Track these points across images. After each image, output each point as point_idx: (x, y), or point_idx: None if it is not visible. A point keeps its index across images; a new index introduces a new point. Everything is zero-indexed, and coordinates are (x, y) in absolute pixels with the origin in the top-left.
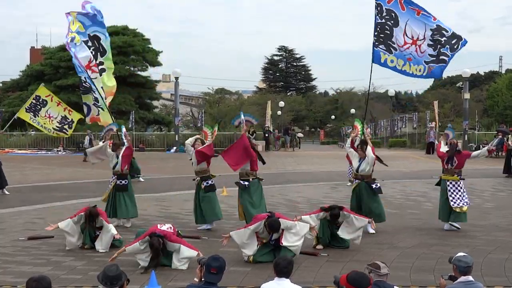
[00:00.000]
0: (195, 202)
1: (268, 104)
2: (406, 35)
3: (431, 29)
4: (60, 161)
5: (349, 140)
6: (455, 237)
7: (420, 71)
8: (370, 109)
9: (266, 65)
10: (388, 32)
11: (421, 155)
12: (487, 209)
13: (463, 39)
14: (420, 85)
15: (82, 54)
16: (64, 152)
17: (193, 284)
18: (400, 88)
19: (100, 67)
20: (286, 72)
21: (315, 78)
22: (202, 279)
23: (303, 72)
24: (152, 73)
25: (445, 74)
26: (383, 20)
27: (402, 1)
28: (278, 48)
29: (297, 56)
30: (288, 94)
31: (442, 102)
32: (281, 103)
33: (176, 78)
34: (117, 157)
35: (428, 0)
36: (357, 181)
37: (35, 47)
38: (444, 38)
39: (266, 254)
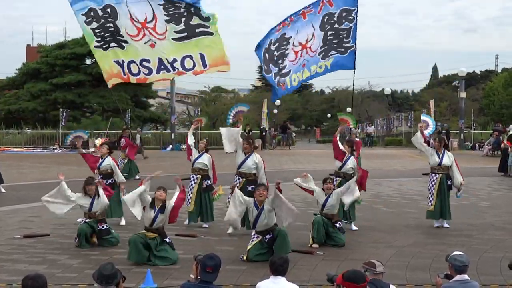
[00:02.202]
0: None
1: (264, 102)
2: (294, 45)
3: (319, 25)
4: (56, 159)
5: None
6: (451, 236)
7: (321, 67)
8: (366, 108)
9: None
10: (277, 56)
11: (417, 153)
12: (482, 208)
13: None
14: (416, 84)
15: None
16: (60, 150)
17: (188, 283)
18: (396, 87)
19: (198, 29)
20: None
21: None
22: (198, 277)
23: None
24: None
25: (441, 73)
26: (274, 52)
27: (291, 18)
28: None
29: None
30: None
31: (438, 101)
32: (277, 102)
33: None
34: (101, 157)
35: (424, 0)
36: (338, 178)
37: (31, 45)
38: (334, 22)
39: (262, 254)
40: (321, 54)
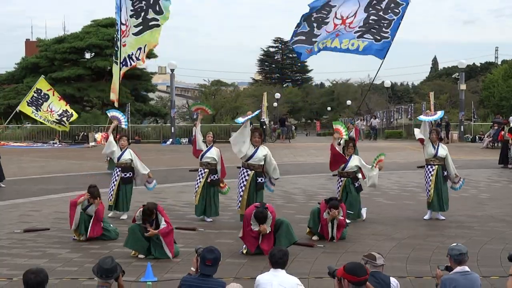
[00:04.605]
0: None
1: (264, 96)
2: (336, 17)
3: (364, 6)
4: (56, 154)
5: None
6: (451, 228)
7: (353, 45)
8: (366, 100)
9: (262, 56)
10: (314, 25)
11: (417, 146)
12: (483, 200)
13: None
14: (416, 76)
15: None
16: (60, 145)
17: (188, 276)
18: (396, 79)
19: (151, 23)
20: (282, 64)
21: (311, 70)
22: (199, 270)
23: (299, 64)
24: (148, 65)
25: (441, 65)
26: (317, 15)
27: None
28: (274, 40)
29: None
30: (284, 85)
31: (438, 93)
32: (277, 95)
33: (172, 70)
34: (121, 149)
35: None
36: (342, 178)
37: (30, 40)
38: (380, 9)
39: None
40: (357, 34)
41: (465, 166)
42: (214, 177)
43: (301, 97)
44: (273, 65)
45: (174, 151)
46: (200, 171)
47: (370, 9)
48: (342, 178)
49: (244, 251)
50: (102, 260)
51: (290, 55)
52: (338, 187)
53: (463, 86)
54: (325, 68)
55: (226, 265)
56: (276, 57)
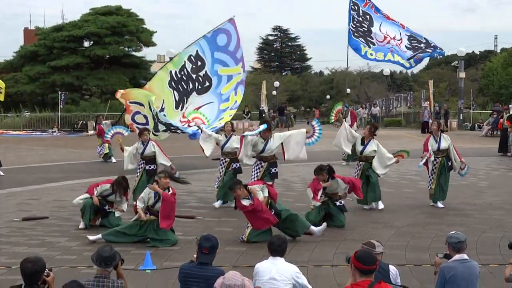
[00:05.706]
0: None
1: (263, 84)
2: (381, 31)
3: (406, 35)
4: (55, 142)
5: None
6: (450, 216)
7: (404, 60)
8: (365, 88)
9: (261, 45)
10: (366, 29)
11: (416, 134)
12: (481, 188)
13: (439, 50)
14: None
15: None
16: (59, 133)
17: (188, 264)
18: (395, 68)
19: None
20: (281, 52)
21: (310, 58)
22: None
23: (298, 52)
24: (147, 53)
25: None
26: (360, 18)
27: (373, 8)
28: (273, 28)
29: (292, 36)
30: (283, 74)
31: (437, 82)
32: (276, 83)
33: (171, 59)
34: (143, 144)
35: None
36: (361, 163)
37: (29, 28)
38: (422, 45)
39: (261, 234)
40: (409, 56)
41: (464, 154)
42: (236, 165)
43: (300, 86)
44: (272, 54)
45: (174, 139)
46: (222, 160)
47: (413, 44)
48: (361, 162)
49: (245, 238)
50: (101, 249)
51: (289, 44)
52: (357, 171)
53: (462, 74)
54: (324, 56)
55: (225, 253)
56: (275, 45)
